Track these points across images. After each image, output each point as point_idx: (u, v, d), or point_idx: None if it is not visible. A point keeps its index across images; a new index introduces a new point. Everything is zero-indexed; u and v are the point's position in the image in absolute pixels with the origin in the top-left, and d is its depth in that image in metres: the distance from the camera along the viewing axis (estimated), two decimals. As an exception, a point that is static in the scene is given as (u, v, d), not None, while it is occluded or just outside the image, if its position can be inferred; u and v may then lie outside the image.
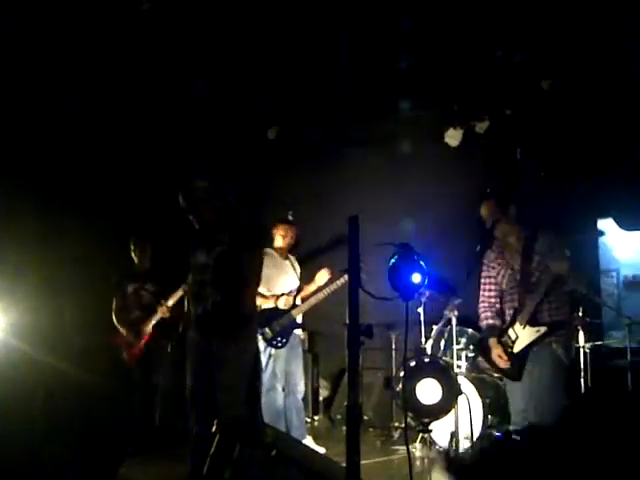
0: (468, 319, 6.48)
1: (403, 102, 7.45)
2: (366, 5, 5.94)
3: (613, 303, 7.25)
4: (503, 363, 4.60)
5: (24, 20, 5.71)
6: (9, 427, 4.88)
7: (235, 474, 2.96)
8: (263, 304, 6.05)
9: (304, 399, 6.45)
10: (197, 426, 4.49)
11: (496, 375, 6.43)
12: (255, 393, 6.01)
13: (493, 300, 4.75)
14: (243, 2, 5.86)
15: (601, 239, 7.02)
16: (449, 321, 6.37)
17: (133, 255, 6.72)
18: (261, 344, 6.02)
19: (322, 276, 6.15)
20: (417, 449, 6.41)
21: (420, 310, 6.72)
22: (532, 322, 4.46)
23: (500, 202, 4.68)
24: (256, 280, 4.86)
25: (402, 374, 6.40)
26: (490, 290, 4.76)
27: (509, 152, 7.17)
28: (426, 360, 6.14)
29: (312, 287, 6.22)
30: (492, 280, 4.76)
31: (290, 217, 6.48)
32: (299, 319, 6.19)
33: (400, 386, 6.28)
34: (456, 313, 6.28)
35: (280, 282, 6.20)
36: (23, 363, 5.54)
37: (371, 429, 7.33)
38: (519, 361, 4.53)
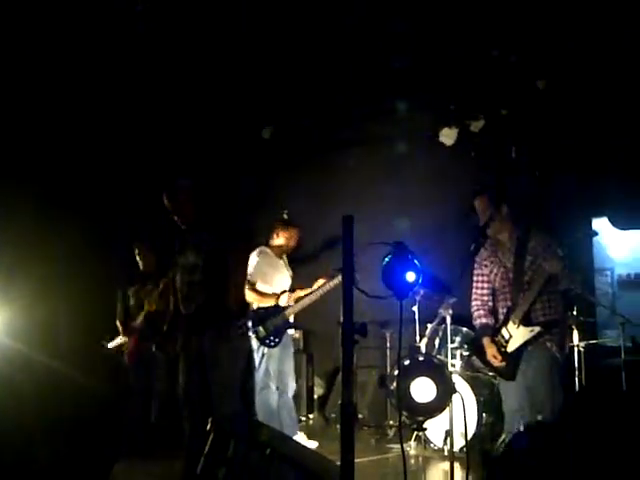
0: (463, 318, 6.48)
1: (398, 102, 7.45)
2: (362, 5, 5.94)
3: (607, 302, 7.26)
4: (497, 362, 4.60)
5: (20, 20, 5.70)
6: (2, 426, 4.88)
7: (229, 473, 2.96)
8: (263, 302, 6.07)
9: (298, 397, 6.46)
10: (190, 425, 4.49)
11: (490, 374, 6.45)
12: (249, 392, 6.02)
13: (486, 298, 4.75)
14: (238, 2, 5.85)
15: (595, 238, 7.03)
16: (443, 320, 6.38)
17: (138, 259, 6.74)
18: (254, 343, 6.02)
19: (318, 283, 6.17)
20: (411, 447, 6.42)
21: (415, 309, 6.72)
22: (526, 322, 4.46)
23: (492, 199, 4.68)
24: (243, 279, 4.88)
25: (396, 373, 6.39)
26: (483, 288, 4.76)
27: (504, 151, 7.18)
28: (420, 359, 6.14)
29: (306, 290, 6.23)
30: (485, 278, 4.76)
31: (285, 216, 6.48)
32: (291, 319, 6.19)
33: (394, 385, 6.27)
34: (450, 312, 6.29)
35: (276, 280, 6.21)
36: (17, 362, 5.53)
37: (365, 427, 7.34)
38: (513, 360, 4.53)
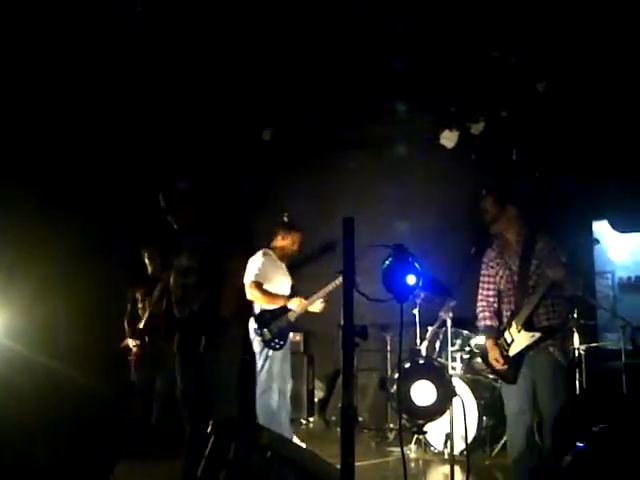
0: (463, 321, 6.49)
1: (399, 103, 7.45)
2: (362, 6, 5.94)
3: (608, 305, 7.26)
4: (499, 366, 4.59)
5: (20, 20, 5.70)
6: (3, 427, 4.88)
7: (230, 475, 2.96)
8: (270, 303, 6.08)
9: (299, 400, 6.46)
10: (191, 427, 4.49)
11: (491, 376, 6.45)
12: (250, 395, 6.03)
13: (492, 299, 4.72)
14: (237, 3, 5.86)
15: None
16: (444, 323, 6.38)
17: (147, 263, 6.76)
18: (258, 345, 6.02)
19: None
20: (412, 450, 6.41)
21: (415, 312, 6.72)
22: (527, 326, 4.43)
23: (499, 199, 4.66)
24: (241, 282, 4.89)
25: (397, 376, 6.40)
26: (488, 289, 4.73)
27: (504, 153, 7.18)
28: (421, 362, 6.14)
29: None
30: (491, 279, 4.72)
31: (285, 219, 6.48)
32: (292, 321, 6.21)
33: (395, 387, 6.27)
34: (451, 315, 6.29)
35: (279, 282, 6.21)
36: (16, 363, 5.53)
37: (366, 430, 7.33)
38: (515, 364, 4.51)
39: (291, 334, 6.36)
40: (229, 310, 4.71)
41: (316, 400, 8.06)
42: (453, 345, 6.48)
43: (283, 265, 6.33)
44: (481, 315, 4.77)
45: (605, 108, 6.61)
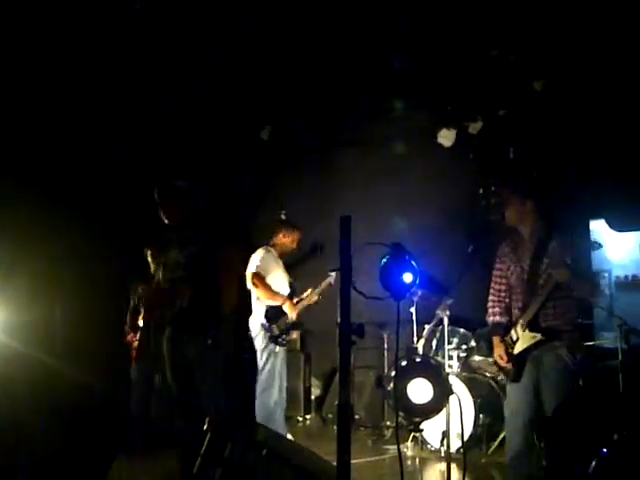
0: (460, 319, 6.50)
1: (396, 102, 7.45)
2: (360, 5, 5.94)
3: (605, 304, 7.26)
4: (503, 363, 4.54)
5: (18, 17, 5.69)
6: (0, 424, 4.88)
7: (225, 473, 2.96)
8: (272, 299, 6.14)
9: (295, 398, 6.47)
10: (185, 424, 4.50)
11: (488, 375, 6.46)
12: (249, 392, 6.04)
13: (503, 294, 4.65)
14: (237, 2, 5.85)
15: (593, 239, 7.03)
16: (441, 321, 6.38)
17: (150, 261, 6.76)
18: (261, 342, 6.05)
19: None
20: (408, 448, 6.43)
21: (412, 310, 6.72)
22: (531, 326, 4.38)
23: (519, 192, 4.62)
24: (234, 279, 4.89)
25: (393, 373, 6.40)
26: (500, 284, 4.67)
27: (502, 152, 7.19)
28: (417, 360, 6.13)
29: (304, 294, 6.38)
30: (502, 274, 4.66)
31: (283, 216, 6.50)
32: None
33: (391, 385, 6.27)
34: (448, 313, 6.29)
35: (279, 280, 6.25)
36: (13, 360, 5.53)
37: (362, 428, 7.34)
38: (519, 362, 4.46)
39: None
40: (229, 307, 4.72)
41: (313, 398, 8.07)
42: (450, 343, 6.49)
43: (281, 262, 6.36)
44: (491, 310, 4.71)
45: (603, 107, 6.62)
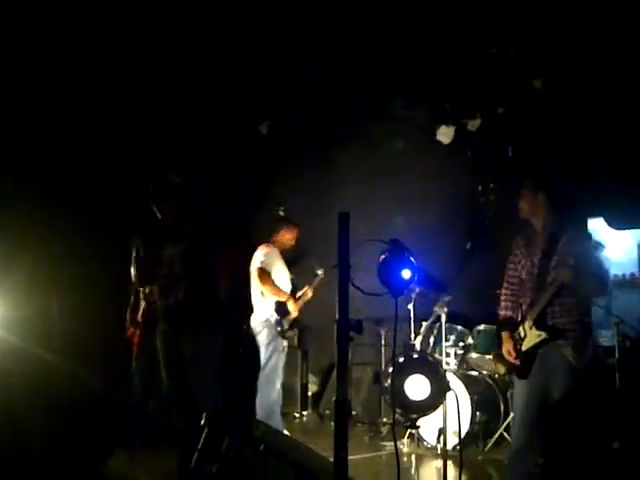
0: (458, 316, 6.51)
1: (395, 99, 7.44)
2: (360, 3, 5.93)
3: (602, 302, 7.26)
4: (511, 359, 4.49)
5: (16, 13, 5.68)
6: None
7: (222, 468, 2.96)
8: (277, 295, 6.17)
9: (292, 394, 6.49)
10: (182, 420, 4.51)
11: (485, 372, 6.47)
12: (248, 388, 6.05)
13: (515, 288, 4.58)
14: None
15: (595, 240, 7.02)
16: (438, 318, 6.40)
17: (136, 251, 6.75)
18: (266, 337, 6.08)
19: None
20: (404, 445, 6.44)
21: (410, 306, 6.72)
22: (538, 324, 4.34)
23: (534, 184, 4.57)
24: (229, 274, 4.89)
25: (391, 370, 6.41)
26: (513, 277, 4.61)
27: (501, 150, 7.18)
28: (415, 356, 6.15)
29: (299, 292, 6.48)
30: (515, 266, 4.59)
31: (281, 213, 6.51)
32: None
33: (389, 382, 6.28)
34: (446, 310, 6.30)
35: (281, 274, 6.29)
36: (10, 355, 5.53)
37: (359, 424, 7.35)
38: (527, 359, 4.40)
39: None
40: (225, 292, 4.74)
41: (310, 394, 8.08)
42: (447, 340, 6.50)
43: (282, 259, 6.39)
44: (503, 304, 4.65)
45: (602, 105, 6.61)
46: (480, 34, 6.31)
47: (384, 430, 7.00)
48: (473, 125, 7.34)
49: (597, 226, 7.03)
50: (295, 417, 7.77)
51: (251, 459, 2.93)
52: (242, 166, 8.05)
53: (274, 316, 6.14)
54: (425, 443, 6.28)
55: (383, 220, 7.14)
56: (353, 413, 7.49)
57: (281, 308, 6.16)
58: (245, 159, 8.07)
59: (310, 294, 6.46)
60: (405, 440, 6.46)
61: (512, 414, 5.83)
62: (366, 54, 6.65)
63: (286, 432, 6.24)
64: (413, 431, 6.29)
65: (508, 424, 6.10)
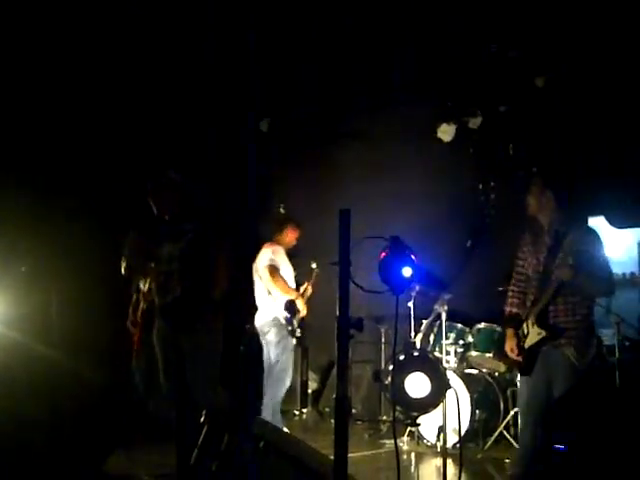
0: (458, 314, 6.50)
1: (397, 97, 7.44)
2: (361, 1, 5.93)
3: (603, 301, 7.26)
4: (514, 356, 4.47)
5: (13, 9, 5.68)
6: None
7: (222, 465, 2.96)
8: (286, 293, 6.18)
9: (292, 391, 6.49)
10: (180, 417, 4.51)
11: (485, 370, 6.47)
12: (249, 385, 6.06)
13: (523, 285, 4.57)
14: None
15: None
16: (439, 316, 6.39)
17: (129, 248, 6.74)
18: (274, 337, 6.08)
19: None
20: (404, 443, 6.43)
21: (410, 304, 6.71)
22: (540, 322, 4.31)
23: (542, 181, 4.57)
24: (227, 271, 4.89)
25: (391, 368, 6.41)
26: (520, 274, 4.60)
27: (502, 148, 7.17)
28: (415, 354, 6.15)
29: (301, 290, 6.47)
30: (522, 263, 4.59)
31: (282, 210, 6.52)
32: None
33: (389, 380, 6.29)
34: (446, 308, 6.30)
35: (286, 272, 6.33)
36: (10, 351, 5.52)
37: (359, 422, 7.35)
38: (530, 356, 4.38)
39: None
40: (220, 293, 4.73)
41: (310, 391, 8.08)
42: (447, 338, 6.49)
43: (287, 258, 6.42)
44: (510, 300, 4.63)
45: (603, 103, 6.61)
46: (482, 32, 6.30)
47: (384, 428, 7.00)
48: (474, 123, 7.33)
49: (598, 224, 7.02)
50: (295, 414, 7.77)
51: (251, 456, 2.93)
52: (242, 163, 8.04)
53: (284, 315, 6.13)
54: (425, 441, 6.28)
55: (383, 218, 7.13)
56: (353, 411, 7.49)
57: (290, 307, 6.15)
58: (245, 156, 8.06)
59: (310, 290, 6.46)
60: (405, 438, 6.46)
61: (512, 412, 5.90)
62: (367, 52, 6.64)
63: (286, 429, 6.26)
64: (413, 429, 6.29)
65: (508, 422, 6.11)
